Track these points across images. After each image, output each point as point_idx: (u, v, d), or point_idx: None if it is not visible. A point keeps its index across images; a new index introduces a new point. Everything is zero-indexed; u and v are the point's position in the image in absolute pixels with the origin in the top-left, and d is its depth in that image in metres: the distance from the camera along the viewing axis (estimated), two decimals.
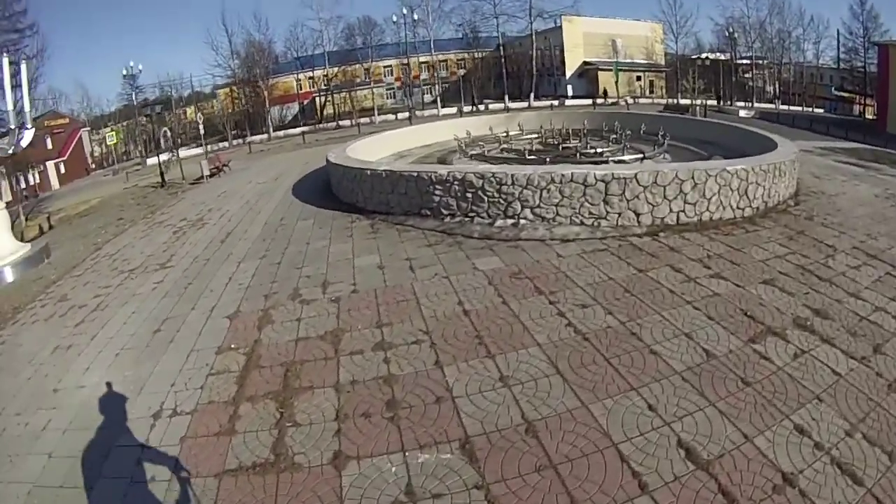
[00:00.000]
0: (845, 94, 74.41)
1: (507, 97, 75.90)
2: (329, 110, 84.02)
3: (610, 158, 20.98)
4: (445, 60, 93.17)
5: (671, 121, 30.28)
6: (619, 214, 14.49)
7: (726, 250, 12.81)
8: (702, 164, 15.84)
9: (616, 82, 73.26)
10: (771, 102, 73.27)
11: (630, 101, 70.20)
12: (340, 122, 74.65)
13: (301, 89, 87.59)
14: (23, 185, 52.33)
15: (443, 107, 77.04)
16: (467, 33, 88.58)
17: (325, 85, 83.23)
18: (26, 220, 33.39)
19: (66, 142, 66.94)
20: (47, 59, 45.35)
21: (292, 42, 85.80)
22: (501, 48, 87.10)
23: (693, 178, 14.40)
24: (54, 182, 61.98)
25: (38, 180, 58.01)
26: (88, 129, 72.65)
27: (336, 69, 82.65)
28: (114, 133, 65.74)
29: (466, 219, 15.76)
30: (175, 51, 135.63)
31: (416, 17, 79.55)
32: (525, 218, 15.04)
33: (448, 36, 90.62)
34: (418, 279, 12.05)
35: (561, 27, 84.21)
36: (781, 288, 10.79)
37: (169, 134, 66.12)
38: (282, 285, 12.66)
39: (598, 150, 23.08)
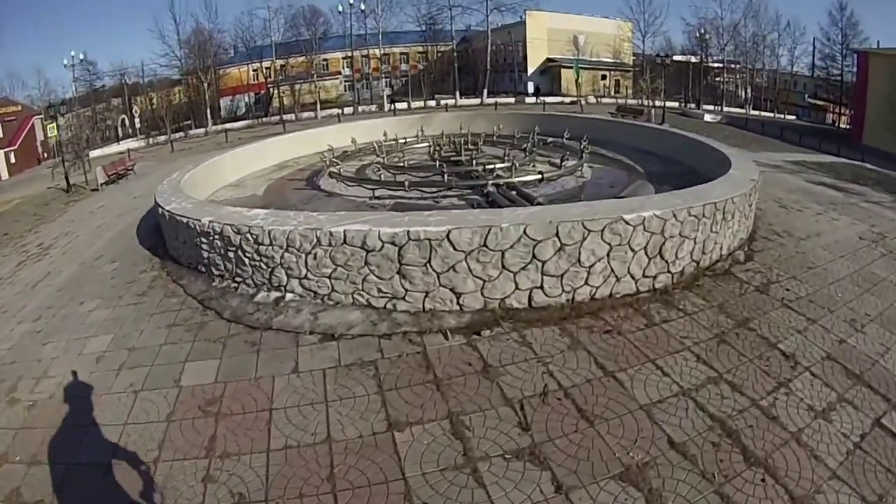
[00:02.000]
0: (819, 102, 70.25)
1: (457, 93, 69.54)
2: (284, 102, 76.69)
3: (488, 182, 15.92)
4: (406, 53, 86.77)
5: (612, 126, 25.91)
6: (427, 293, 9.59)
7: (590, 375, 7.94)
8: (580, 209, 10.14)
9: (577, 80, 67.03)
10: (742, 107, 66.93)
11: (592, 100, 63.88)
12: (285, 116, 67.51)
13: (257, 79, 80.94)
14: None
15: (396, 101, 70.75)
16: (426, 26, 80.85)
17: (272, 77, 77.63)
18: None
19: (17, 130, 60.37)
20: None
21: (241, 32, 79.71)
22: (453, 42, 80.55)
23: (558, 235, 9.38)
24: (3, 172, 56.53)
25: None
26: (42, 116, 63.17)
27: (283, 61, 76.65)
28: (53, 126, 57.73)
29: (234, 284, 11.21)
30: (134, 37, 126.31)
31: (363, 7, 73.01)
32: (292, 291, 10.41)
33: (408, 28, 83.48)
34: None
35: (524, 22, 77.95)
36: None
37: (127, 122, 65.60)
38: None
39: (495, 165, 17.97)
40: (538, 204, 13.33)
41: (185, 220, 11.85)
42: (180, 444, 6.88)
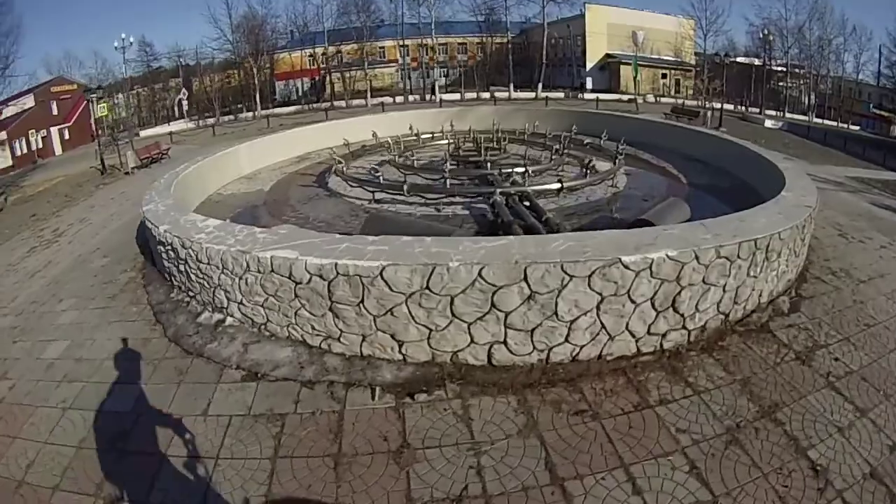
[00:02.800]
0: (884, 113, 63.71)
1: (511, 86, 66.59)
2: (338, 87, 75.07)
3: (496, 190, 14.00)
4: (464, 44, 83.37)
5: (660, 129, 23.11)
6: (364, 337, 7.91)
7: (531, 480, 5.93)
8: (563, 244, 7.76)
9: (635, 78, 63.36)
10: (805, 114, 62.43)
11: (651, 99, 60.45)
12: (336, 102, 66.37)
13: (313, 65, 78.08)
14: (19, 152, 51.18)
15: (445, 92, 68.86)
16: (485, 16, 78.08)
17: (325, 63, 75.64)
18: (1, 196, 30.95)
19: (72, 108, 60.76)
20: (19, 36, 42.70)
21: (295, 17, 77.81)
22: (508, 33, 77.07)
23: (527, 281, 7.27)
24: (57, 148, 57.95)
25: (40, 146, 54.31)
26: (97, 95, 64.28)
27: (336, 47, 74.46)
28: (105, 105, 58.01)
29: (187, 298, 10.38)
30: (189, 21, 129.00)
31: None
32: (232, 315, 9.25)
33: (467, 18, 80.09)
34: None
35: (583, 15, 74.04)
36: None
37: (185, 102, 64.33)
38: None
39: (512, 170, 16.18)
40: (546, 221, 11.88)
41: (149, 225, 11.03)
42: (79, 477, 6.39)
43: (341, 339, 7.94)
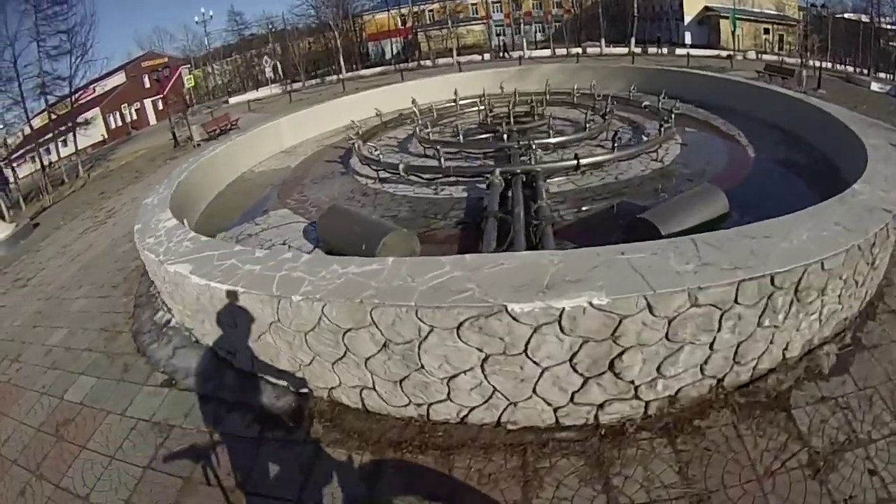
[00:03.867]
0: None
1: (603, 42, 61.32)
2: (433, 47, 71.37)
3: (495, 170, 12.02)
4: None
5: (740, 90, 18.65)
6: (252, 358, 7.20)
7: None
8: (434, 275, 5.94)
9: (733, 33, 57.42)
10: None
11: (752, 56, 54.32)
12: (422, 62, 63.83)
13: (404, 25, 75.19)
14: (114, 125, 54.45)
15: (540, 48, 64.59)
16: None
17: (413, 22, 73.00)
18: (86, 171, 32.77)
19: (164, 80, 61.57)
20: (94, 25, 42.70)
21: None
22: None
23: (377, 326, 5.68)
24: (152, 119, 60.69)
25: (134, 117, 57.50)
26: (189, 66, 66.92)
27: (421, 6, 72.32)
28: (192, 77, 61.13)
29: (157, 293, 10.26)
30: None
31: None
32: (174, 316, 9.34)
33: None
34: None
35: None
36: None
37: (278, 66, 64.87)
38: None
39: (530, 142, 13.75)
40: (536, 211, 9.97)
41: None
42: (28, 456, 7.00)
43: (237, 356, 7.35)
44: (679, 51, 55.28)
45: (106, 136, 51.52)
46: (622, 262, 5.60)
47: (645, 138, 14.49)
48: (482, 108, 18.97)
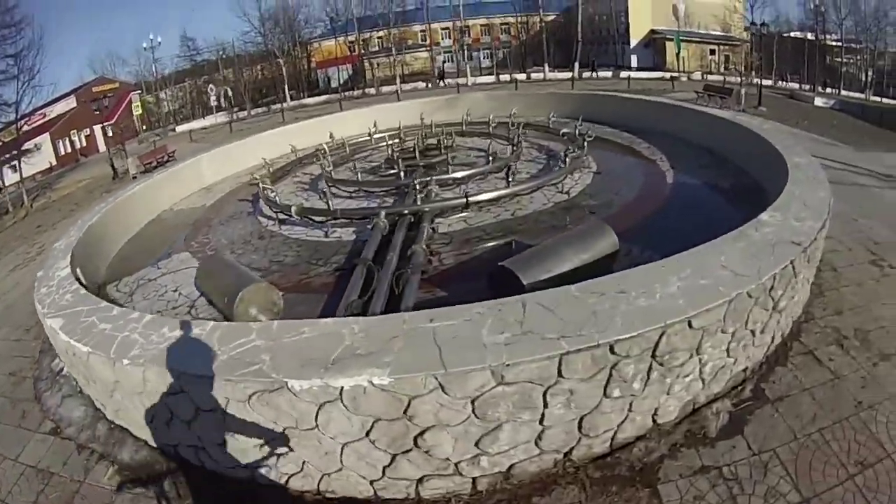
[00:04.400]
0: None
1: (546, 66, 61.35)
2: (379, 73, 71.53)
3: (381, 211, 11.37)
4: (508, 24, 77.72)
5: (666, 112, 18.30)
6: (117, 410, 7.25)
7: None
8: (245, 340, 5.66)
9: (678, 54, 57.61)
10: (861, 92, 55.43)
11: (697, 76, 54.52)
12: (367, 90, 63.26)
13: (352, 52, 74.01)
14: (63, 152, 52.85)
15: (485, 74, 65.12)
16: None
17: (359, 50, 72.37)
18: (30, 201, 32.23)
19: (114, 105, 62.01)
20: (41, 49, 40.72)
21: (324, 5, 74.33)
22: (541, 11, 71.22)
23: (184, 391, 5.78)
24: (101, 145, 57.00)
25: (84, 144, 55.79)
26: (139, 92, 66.63)
27: (368, 33, 72.22)
28: (139, 104, 61.15)
29: None
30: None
31: None
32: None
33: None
34: None
35: None
36: None
37: (226, 94, 64.79)
38: None
39: (430, 178, 13.24)
40: (411, 256, 9.25)
41: None
42: None
43: (105, 407, 7.34)
44: (624, 74, 55.35)
45: (53, 163, 50.30)
46: (426, 331, 4.83)
47: (557, 168, 13.62)
48: (395, 141, 18.05)
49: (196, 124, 56.30)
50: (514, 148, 15.32)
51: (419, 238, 9.82)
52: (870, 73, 58.38)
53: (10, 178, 39.99)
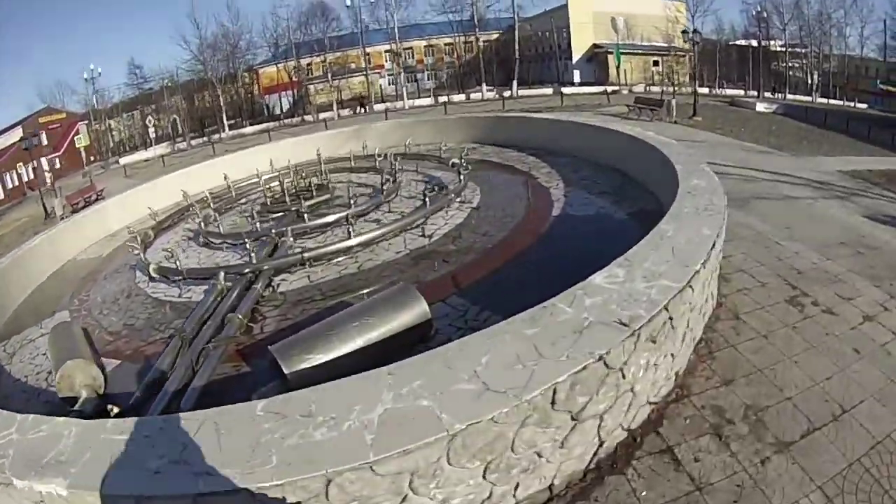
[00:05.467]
0: (892, 88, 55.61)
1: (484, 86, 59.92)
2: (322, 99, 69.13)
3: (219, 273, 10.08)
4: (452, 44, 76.26)
5: (573, 131, 16.99)
6: None
7: None
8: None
9: (618, 68, 56.59)
10: (808, 95, 54.75)
11: (639, 89, 53.36)
12: (305, 117, 61.76)
13: (292, 78, 72.37)
14: (10, 185, 52.52)
15: (423, 97, 63.07)
16: (460, 17, 71.61)
17: (299, 76, 70.88)
18: None
19: (62, 136, 61.95)
20: None
21: (269, 32, 72.63)
22: (476, 31, 70.47)
23: None
24: (47, 178, 54.94)
25: (32, 177, 53.35)
26: (86, 122, 65.20)
27: (307, 59, 70.51)
28: (81, 136, 60.43)
29: None
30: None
31: None
32: None
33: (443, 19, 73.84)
34: None
35: (566, 5, 67.50)
36: None
37: (172, 122, 66.18)
38: None
39: (285, 231, 11.60)
40: (223, 322, 8.43)
41: None
42: None
43: None
44: (565, 90, 53.88)
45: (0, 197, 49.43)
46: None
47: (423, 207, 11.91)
48: (274, 184, 16.12)
49: (138, 156, 55.25)
50: (386, 184, 13.71)
51: (243, 303, 8.91)
52: (816, 76, 57.75)
53: None
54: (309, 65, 71.39)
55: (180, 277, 11.01)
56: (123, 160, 53.64)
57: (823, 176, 16.97)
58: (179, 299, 10.38)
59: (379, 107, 57.50)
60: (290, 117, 64.26)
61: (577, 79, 66.14)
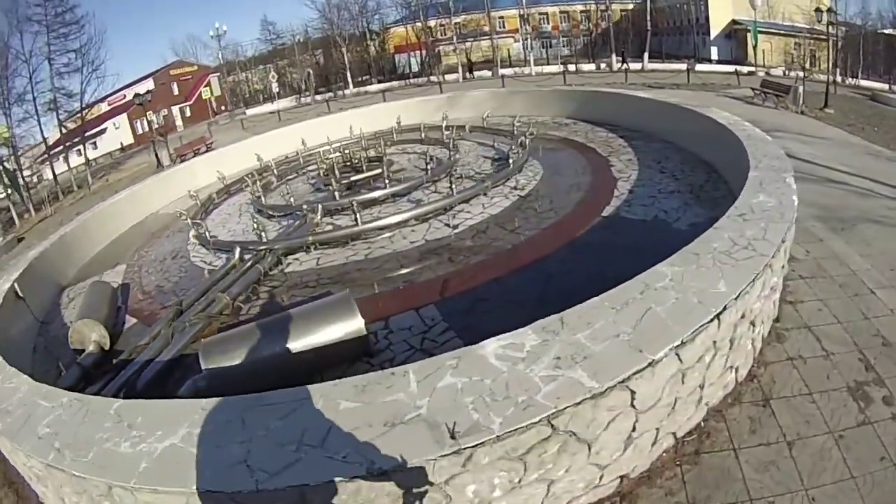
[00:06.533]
0: None
1: (612, 56, 55.20)
2: (452, 60, 65.82)
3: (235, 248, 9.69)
4: (587, 11, 71.95)
5: (658, 111, 14.79)
6: None
7: None
8: None
9: (755, 47, 50.84)
10: None
11: (777, 72, 47.69)
12: (431, 78, 58.14)
13: (430, 37, 69.48)
14: (141, 131, 53.97)
15: (551, 64, 58.55)
16: None
17: (429, 36, 67.74)
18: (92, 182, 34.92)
19: (192, 88, 63.98)
20: (103, 43, 42.48)
21: None
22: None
23: None
24: (179, 124, 60.48)
25: (162, 122, 56.54)
26: (218, 74, 66.46)
27: (435, 20, 68.09)
28: (208, 87, 63.13)
29: None
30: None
31: None
32: None
33: None
34: None
35: None
36: None
37: (275, 84, 64.05)
38: None
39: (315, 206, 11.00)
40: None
41: None
42: None
43: None
44: (700, 66, 49.26)
45: (125, 143, 52.60)
46: None
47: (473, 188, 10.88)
48: (335, 156, 15.25)
49: (264, 109, 55.42)
50: (430, 165, 12.38)
51: (239, 282, 8.55)
52: None
53: (76, 161, 41.73)
54: (441, 25, 69.25)
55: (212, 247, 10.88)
56: (250, 111, 54.75)
57: None
58: (213, 266, 10.20)
59: (507, 71, 54.48)
60: (418, 76, 62.43)
61: (714, 55, 60.77)
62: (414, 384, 3.99)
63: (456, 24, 67.29)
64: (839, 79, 41.82)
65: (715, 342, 4.56)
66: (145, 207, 15.67)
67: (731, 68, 47.68)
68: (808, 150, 16.28)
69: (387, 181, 11.94)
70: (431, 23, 68.24)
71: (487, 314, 6.88)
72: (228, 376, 5.53)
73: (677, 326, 4.27)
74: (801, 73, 31.21)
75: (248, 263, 9.17)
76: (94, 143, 49.23)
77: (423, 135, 16.62)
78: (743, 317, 4.94)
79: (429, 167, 12.13)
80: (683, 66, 47.49)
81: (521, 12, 64.21)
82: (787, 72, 47.73)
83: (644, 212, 9.49)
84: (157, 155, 33.40)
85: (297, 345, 5.77)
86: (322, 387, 4.18)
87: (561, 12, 72.90)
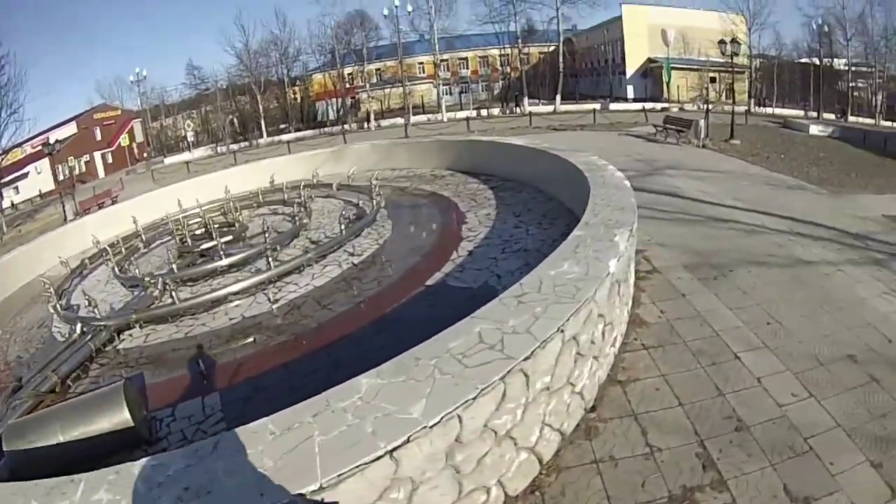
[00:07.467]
0: None
1: (526, 99, 55.93)
2: (375, 107, 66.08)
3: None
4: (505, 55, 71.92)
5: (522, 155, 14.95)
6: None
7: None
8: None
9: (667, 83, 51.93)
10: (872, 117, 48.97)
11: (691, 107, 48.88)
12: (345, 126, 58.26)
13: (335, 86, 69.61)
14: (61, 177, 50.85)
15: (463, 109, 58.65)
16: (520, 28, 67.15)
17: (344, 84, 67.97)
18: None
19: (115, 133, 62.48)
20: (22, 85, 42.37)
21: (315, 40, 70.16)
22: (519, 41, 65.36)
23: None
24: (101, 171, 58.76)
25: (83, 170, 55.30)
26: (141, 119, 65.70)
27: (353, 68, 68.48)
28: (126, 135, 62.43)
29: None
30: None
31: (409, 8, 61.62)
32: None
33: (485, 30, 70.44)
34: None
35: (621, 17, 62.41)
36: None
37: (189, 134, 64.33)
38: None
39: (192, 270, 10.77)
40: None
41: None
42: None
43: None
44: (612, 105, 50.08)
45: (42, 192, 49.88)
46: None
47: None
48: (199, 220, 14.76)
49: (179, 158, 54.56)
50: (267, 233, 11.48)
51: (70, 359, 8.11)
52: (880, 97, 51.61)
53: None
54: (359, 72, 69.37)
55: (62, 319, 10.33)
56: (169, 160, 54.50)
57: (863, 225, 12.56)
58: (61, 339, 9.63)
59: (420, 118, 54.52)
60: (335, 124, 62.00)
61: (630, 94, 61.88)
62: None
63: (377, 70, 68.12)
64: (754, 108, 42.68)
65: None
66: (35, 267, 14.63)
67: (640, 106, 48.52)
68: (699, 187, 15.70)
69: (222, 251, 10.91)
70: (349, 70, 68.44)
71: (269, 402, 5.79)
72: (30, 458, 5.42)
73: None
74: (704, 106, 31.53)
75: (85, 340, 8.62)
76: (17, 188, 48.02)
77: (285, 196, 15.58)
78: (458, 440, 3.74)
79: (266, 234, 10.99)
80: (595, 107, 48.21)
81: (435, 59, 64.06)
82: (699, 106, 48.81)
83: (474, 277, 8.57)
84: (63, 209, 31.81)
85: (74, 433, 5.64)
86: None
87: (480, 57, 73.90)
